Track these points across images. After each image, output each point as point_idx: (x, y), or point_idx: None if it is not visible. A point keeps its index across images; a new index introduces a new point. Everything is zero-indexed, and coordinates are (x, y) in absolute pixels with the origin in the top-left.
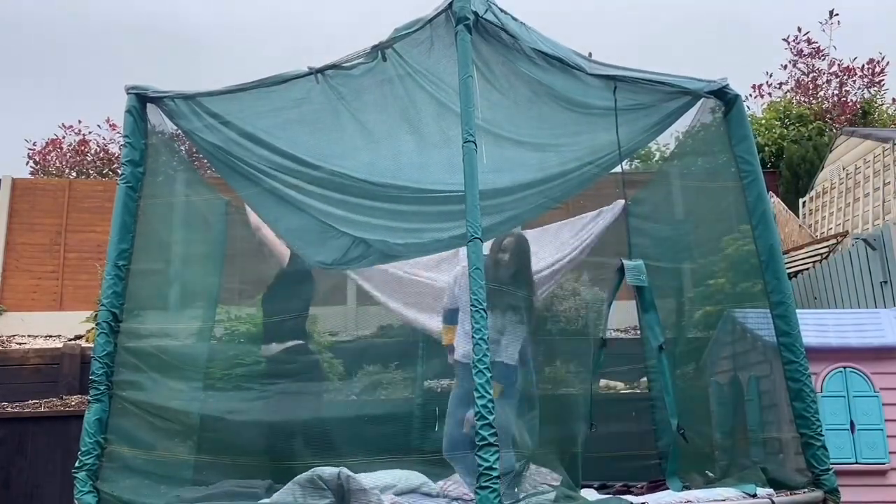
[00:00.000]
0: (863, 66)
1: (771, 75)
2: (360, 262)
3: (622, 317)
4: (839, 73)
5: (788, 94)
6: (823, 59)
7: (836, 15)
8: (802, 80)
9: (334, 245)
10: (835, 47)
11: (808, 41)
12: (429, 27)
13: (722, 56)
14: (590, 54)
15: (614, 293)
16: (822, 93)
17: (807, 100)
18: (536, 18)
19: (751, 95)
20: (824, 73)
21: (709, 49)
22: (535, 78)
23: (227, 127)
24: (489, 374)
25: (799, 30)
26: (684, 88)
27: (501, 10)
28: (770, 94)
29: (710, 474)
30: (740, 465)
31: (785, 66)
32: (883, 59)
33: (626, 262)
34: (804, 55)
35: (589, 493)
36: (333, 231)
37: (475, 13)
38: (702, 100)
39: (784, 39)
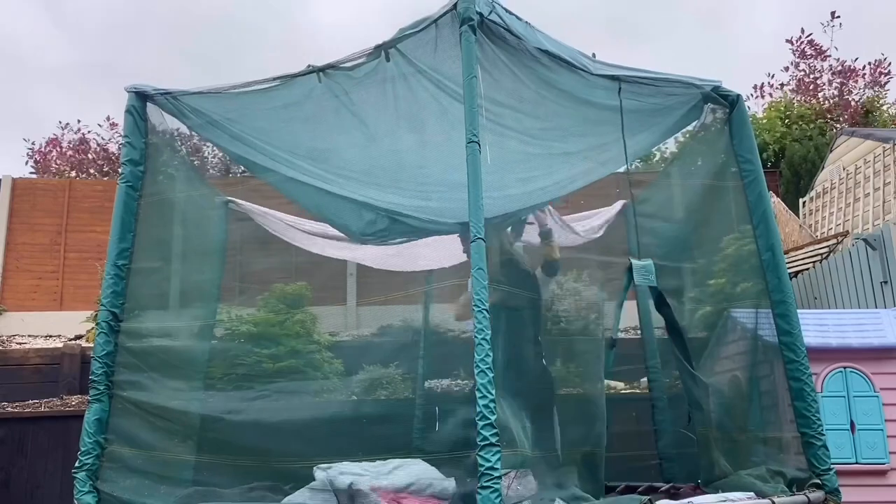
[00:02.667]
0: (864, 66)
1: (773, 76)
2: (385, 234)
3: (622, 316)
4: (842, 73)
5: (789, 94)
6: (825, 60)
7: (838, 17)
8: (804, 80)
9: (359, 216)
10: (836, 48)
11: (811, 42)
12: (434, 27)
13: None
14: (593, 55)
15: (625, 293)
16: (822, 93)
17: (807, 100)
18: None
19: (752, 96)
20: (825, 73)
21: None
22: (540, 78)
23: (229, 125)
24: (491, 375)
25: (802, 31)
26: (686, 87)
27: (507, 11)
28: (771, 94)
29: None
30: (751, 464)
31: (787, 68)
32: (885, 59)
33: (634, 261)
34: (807, 56)
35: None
36: (354, 204)
37: (480, 13)
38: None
39: (787, 41)
